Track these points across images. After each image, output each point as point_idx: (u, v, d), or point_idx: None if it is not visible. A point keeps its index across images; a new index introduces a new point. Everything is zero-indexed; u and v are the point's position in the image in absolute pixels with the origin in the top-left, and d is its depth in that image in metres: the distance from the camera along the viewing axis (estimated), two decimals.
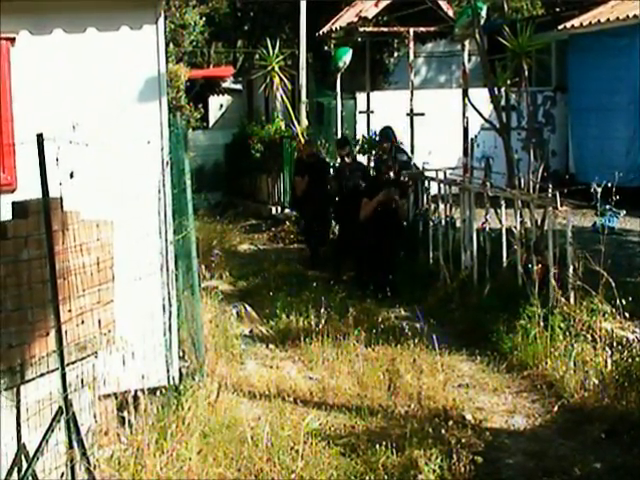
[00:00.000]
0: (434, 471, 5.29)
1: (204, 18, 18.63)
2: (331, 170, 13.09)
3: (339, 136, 14.63)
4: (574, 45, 16.00)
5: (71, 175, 5.51)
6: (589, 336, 7.00)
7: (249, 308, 8.49)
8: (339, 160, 12.47)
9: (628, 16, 14.31)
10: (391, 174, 10.33)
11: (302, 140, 14.19)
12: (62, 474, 4.73)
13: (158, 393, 5.85)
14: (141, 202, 6.01)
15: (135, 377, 5.66)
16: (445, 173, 11.02)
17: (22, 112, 5.68)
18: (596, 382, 6.42)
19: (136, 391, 5.65)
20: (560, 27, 15.95)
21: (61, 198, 4.96)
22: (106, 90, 5.96)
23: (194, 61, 23.80)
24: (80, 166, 5.55)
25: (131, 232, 5.83)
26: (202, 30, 18.53)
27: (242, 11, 22.35)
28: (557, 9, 18.90)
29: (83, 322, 5.08)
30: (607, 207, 9.99)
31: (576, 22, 15.73)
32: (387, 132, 12.48)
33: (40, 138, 4.55)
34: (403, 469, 5.33)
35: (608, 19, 14.82)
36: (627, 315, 7.19)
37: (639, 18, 14.08)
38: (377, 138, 13.28)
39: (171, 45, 16.27)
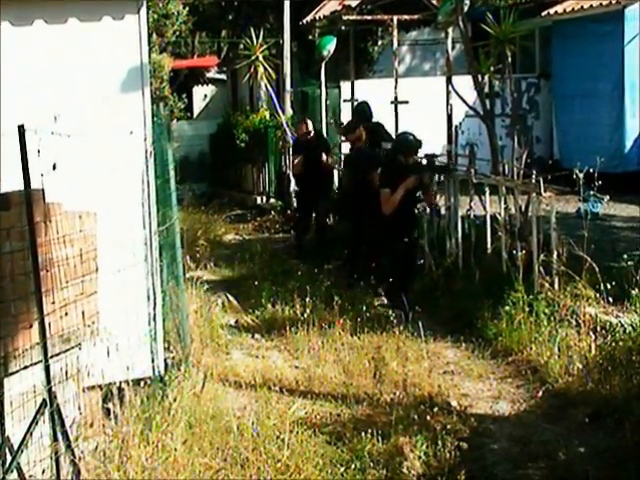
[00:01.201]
0: (419, 457, 5.33)
1: (187, 8, 18.55)
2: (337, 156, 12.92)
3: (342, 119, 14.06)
4: (557, 32, 16.03)
5: (53, 167, 5.48)
6: (573, 321, 7.04)
7: (231, 298, 8.48)
8: (349, 146, 11.46)
9: (611, 2, 14.34)
10: (412, 159, 8.75)
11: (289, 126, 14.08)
12: (47, 467, 4.72)
13: (143, 384, 5.84)
14: (124, 193, 5.99)
15: (120, 368, 5.65)
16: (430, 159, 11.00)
17: (3, 104, 5.64)
18: (580, 367, 6.46)
19: (121, 382, 5.64)
20: (543, 14, 15.97)
21: (43, 190, 4.94)
22: (88, 81, 5.93)
23: (178, 51, 23.78)
24: (62, 157, 5.52)
25: (115, 223, 5.81)
26: (185, 20, 18.47)
27: (226, 0, 22.26)
28: None
29: (67, 314, 5.06)
30: (591, 193, 10.04)
31: (559, 8, 15.75)
32: (363, 107, 11.82)
33: (21, 129, 4.52)
34: (389, 456, 5.35)
35: (591, 5, 14.84)
36: (611, 300, 7.23)
37: (622, 4, 14.12)
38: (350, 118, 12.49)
39: (154, 35, 16.20)
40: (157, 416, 5.38)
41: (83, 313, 5.21)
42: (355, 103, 13.99)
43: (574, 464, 5.33)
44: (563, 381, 6.46)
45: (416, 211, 9.27)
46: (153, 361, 6.11)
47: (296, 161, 12.08)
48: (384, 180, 8.78)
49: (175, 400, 5.73)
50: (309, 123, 12.17)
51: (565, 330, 6.98)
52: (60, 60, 5.84)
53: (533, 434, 5.82)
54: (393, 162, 8.78)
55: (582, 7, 15.05)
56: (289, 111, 15.72)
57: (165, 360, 6.29)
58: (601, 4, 14.62)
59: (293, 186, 14.42)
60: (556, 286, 7.63)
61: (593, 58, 14.88)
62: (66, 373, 5.02)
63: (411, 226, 8.90)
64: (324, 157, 11.83)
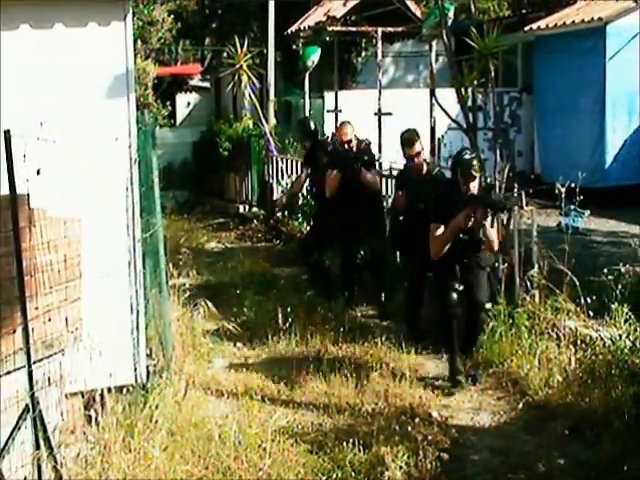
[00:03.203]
0: (401, 468, 5.34)
1: (172, 15, 18.56)
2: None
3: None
4: (540, 46, 16.16)
5: (38, 172, 5.48)
6: (553, 334, 7.09)
7: (211, 305, 8.45)
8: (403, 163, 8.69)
9: (593, 18, 14.49)
10: (473, 185, 6.82)
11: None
12: (28, 472, 4.71)
13: (125, 391, 5.83)
14: (109, 199, 5.98)
15: (102, 375, 5.63)
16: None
17: None
18: (560, 379, 6.51)
19: (103, 389, 5.62)
20: (526, 29, 16.10)
21: (28, 195, 4.93)
22: (74, 87, 5.92)
23: (162, 58, 23.74)
24: (47, 163, 5.52)
25: (99, 229, 5.80)
26: (170, 27, 18.47)
27: (210, 9, 22.28)
28: (523, 11, 19.09)
29: (50, 320, 5.06)
30: (572, 207, 10.11)
31: (542, 24, 15.88)
32: (303, 122, 10.74)
33: (7, 135, 4.52)
34: (370, 466, 5.37)
35: (573, 21, 14.99)
36: (591, 313, 7.30)
37: (604, 20, 14.27)
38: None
39: (139, 42, 16.20)
40: (139, 423, 5.37)
41: (66, 319, 5.21)
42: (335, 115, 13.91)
43: (554, 476, 5.39)
44: (543, 393, 6.50)
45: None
46: (135, 368, 6.10)
47: (331, 176, 9.06)
48: (437, 213, 7.02)
49: (157, 407, 5.71)
50: (349, 128, 9.27)
51: (545, 343, 7.02)
52: (45, 66, 5.83)
53: (513, 445, 5.86)
54: (451, 190, 7.03)
55: (564, 23, 15.18)
56: (272, 120, 15.75)
57: (147, 367, 6.28)
58: (583, 20, 14.77)
59: (276, 195, 14.46)
60: (537, 299, 7.68)
61: (575, 73, 15.02)
62: (49, 379, 5.01)
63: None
64: (366, 174, 8.96)
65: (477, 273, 7.11)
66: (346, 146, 9.09)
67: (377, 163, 9.67)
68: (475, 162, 6.80)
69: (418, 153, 8.20)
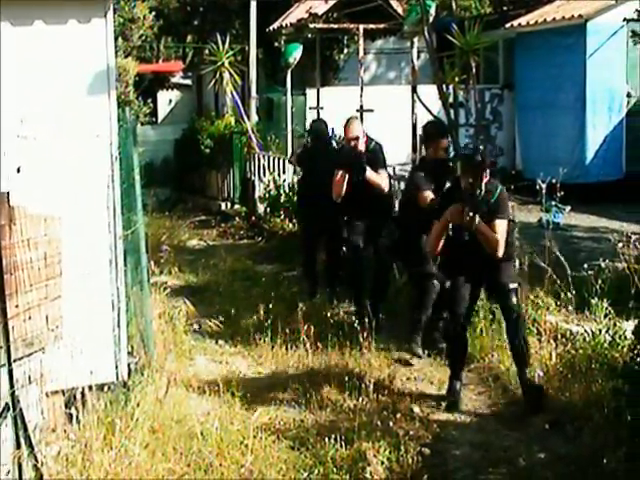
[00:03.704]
0: (382, 463, 5.36)
1: (153, 12, 18.48)
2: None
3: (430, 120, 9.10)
4: (521, 43, 16.22)
5: (18, 170, 5.47)
6: (534, 329, 7.13)
7: (189, 303, 8.45)
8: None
9: (573, 15, 14.55)
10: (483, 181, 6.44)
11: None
12: (9, 471, 4.69)
13: (106, 389, 5.81)
14: (90, 197, 5.96)
15: (83, 373, 5.62)
16: (394, 169, 11.09)
17: None
18: (541, 374, 6.54)
19: (84, 387, 5.61)
20: (507, 26, 16.16)
21: (8, 192, 4.91)
22: (54, 84, 5.89)
23: (143, 56, 23.67)
24: (28, 160, 5.51)
25: (80, 227, 5.78)
26: (151, 24, 18.39)
27: (192, 6, 22.21)
28: (504, 8, 19.16)
29: (30, 318, 5.04)
30: (552, 203, 10.17)
31: (523, 21, 15.94)
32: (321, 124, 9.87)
33: None
34: (352, 462, 5.38)
35: (554, 18, 15.05)
36: (571, 308, 7.34)
37: (584, 18, 14.34)
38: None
39: (120, 39, 16.12)
40: (120, 421, 5.37)
41: (47, 317, 5.20)
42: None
43: (534, 470, 5.41)
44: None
45: None
46: (117, 366, 6.09)
47: (337, 178, 8.36)
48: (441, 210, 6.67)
49: (138, 405, 5.71)
50: (355, 125, 8.51)
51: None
52: (26, 63, 5.80)
53: (494, 440, 5.89)
54: (456, 186, 6.70)
55: (545, 20, 15.25)
56: (254, 117, 15.74)
57: (129, 365, 6.26)
58: (564, 17, 14.83)
59: (259, 193, 14.45)
60: (518, 294, 7.71)
61: (555, 70, 15.08)
62: (29, 377, 5.00)
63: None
64: (372, 176, 8.24)
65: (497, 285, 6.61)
66: (352, 144, 8.34)
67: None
68: (478, 157, 6.53)
69: (446, 148, 7.83)
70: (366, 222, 8.35)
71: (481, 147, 6.66)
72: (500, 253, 6.42)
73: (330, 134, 9.91)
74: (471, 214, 6.26)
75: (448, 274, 6.83)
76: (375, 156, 8.35)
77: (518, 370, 6.50)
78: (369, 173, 8.17)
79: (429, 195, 7.36)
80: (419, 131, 12.84)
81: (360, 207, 8.32)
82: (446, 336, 7.04)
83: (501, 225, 6.44)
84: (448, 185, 7.13)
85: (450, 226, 6.51)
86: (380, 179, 8.27)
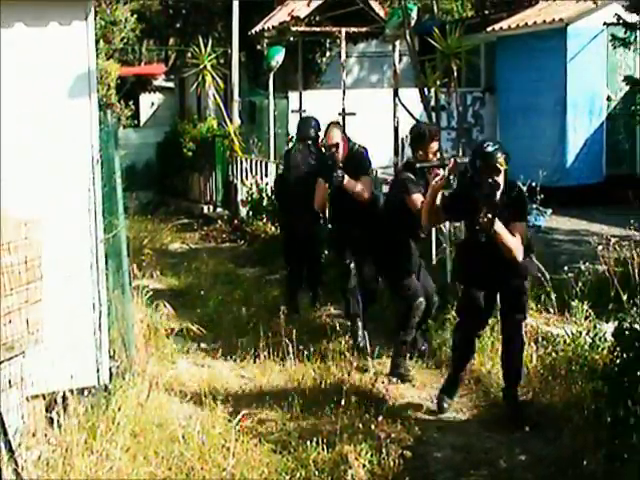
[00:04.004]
0: (364, 466, 5.36)
1: (135, 15, 18.47)
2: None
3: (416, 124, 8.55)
4: (502, 47, 16.28)
5: None
6: None
7: (169, 307, 8.41)
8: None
9: (554, 19, 14.63)
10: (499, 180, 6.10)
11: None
12: None
13: (87, 393, 5.80)
14: (71, 200, 5.95)
15: (64, 377, 5.60)
16: (376, 172, 11.10)
17: None
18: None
19: (65, 391, 5.59)
20: (489, 29, 16.22)
21: None
22: (35, 87, 5.88)
23: (125, 58, 23.63)
24: (7, 163, 5.49)
25: (61, 230, 5.77)
26: (133, 27, 18.37)
27: (174, 9, 22.22)
28: (486, 11, 19.24)
29: (10, 321, 5.01)
30: (534, 206, 10.22)
31: (504, 24, 16.00)
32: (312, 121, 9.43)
33: None
34: (334, 464, 5.38)
35: (535, 22, 15.12)
36: (552, 311, 7.38)
37: (565, 21, 14.42)
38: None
39: (101, 42, 16.10)
40: (101, 425, 5.35)
41: (27, 321, 5.16)
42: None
43: (515, 471, 5.45)
44: None
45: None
46: (98, 370, 6.07)
47: (319, 186, 8.23)
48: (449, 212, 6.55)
49: (119, 409, 5.69)
50: (336, 132, 8.15)
51: None
52: (6, 65, 5.78)
53: (475, 442, 5.91)
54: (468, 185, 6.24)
55: (526, 23, 15.31)
56: (237, 121, 15.74)
57: (110, 369, 6.25)
58: (544, 21, 14.90)
59: (241, 196, 14.44)
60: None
61: (537, 73, 15.15)
62: (9, 381, 4.97)
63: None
64: (349, 184, 7.87)
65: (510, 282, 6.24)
66: (331, 150, 8.01)
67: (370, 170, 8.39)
68: (500, 154, 6.11)
69: (436, 152, 7.36)
70: (350, 228, 8.06)
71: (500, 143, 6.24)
72: (520, 258, 6.08)
73: (317, 134, 9.25)
74: (489, 216, 5.83)
75: (463, 280, 6.63)
76: (357, 161, 8.09)
77: (507, 387, 6.35)
78: (346, 181, 7.85)
79: (419, 198, 7.06)
80: (401, 134, 12.92)
81: (343, 214, 8.14)
82: (455, 345, 6.72)
83: (521, 228, 6.15)
84: (455, 185, 6.71)
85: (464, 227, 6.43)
86: (359, 186, 7.90)
